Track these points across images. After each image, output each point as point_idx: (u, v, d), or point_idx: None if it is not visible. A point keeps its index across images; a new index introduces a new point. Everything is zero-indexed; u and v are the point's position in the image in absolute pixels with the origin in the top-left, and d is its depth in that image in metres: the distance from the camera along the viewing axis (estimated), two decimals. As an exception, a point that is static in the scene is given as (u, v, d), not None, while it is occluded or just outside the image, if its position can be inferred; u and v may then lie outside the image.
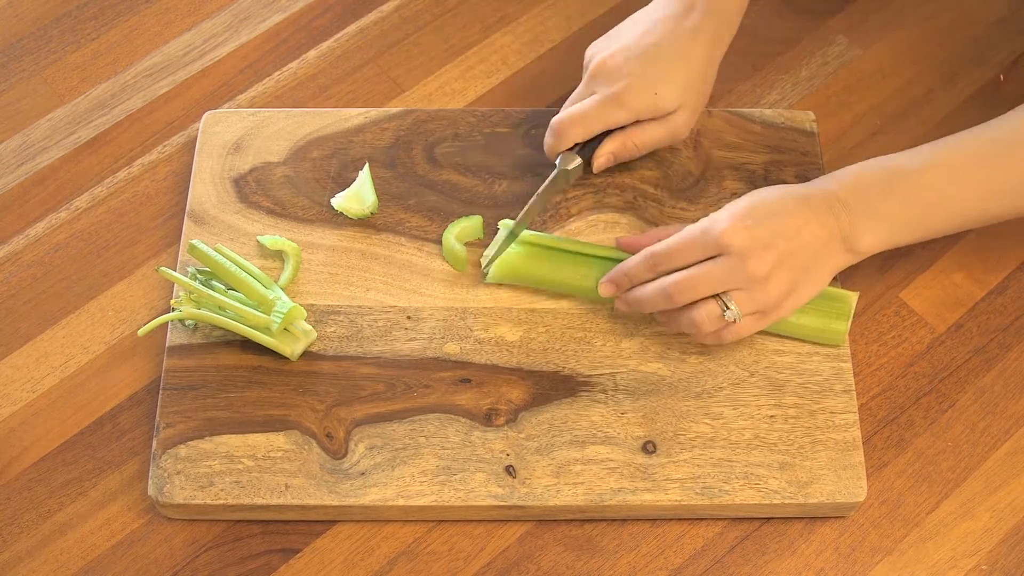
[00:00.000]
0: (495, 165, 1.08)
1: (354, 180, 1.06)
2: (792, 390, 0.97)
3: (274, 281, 1.01)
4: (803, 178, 1.05)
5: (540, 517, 0.95)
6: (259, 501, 0.93)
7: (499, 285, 1.02)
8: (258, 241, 1.03)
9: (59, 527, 0.96)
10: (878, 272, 1.05)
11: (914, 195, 0.93)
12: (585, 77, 1.01)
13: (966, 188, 0.93)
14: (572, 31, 1.18)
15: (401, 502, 0.93)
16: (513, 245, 1.01)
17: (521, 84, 1.15)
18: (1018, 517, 0.96)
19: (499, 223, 1.02)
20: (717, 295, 0.92)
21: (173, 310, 0.99)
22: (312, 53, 1.17)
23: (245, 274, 0.98)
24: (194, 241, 0.98)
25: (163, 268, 0.98)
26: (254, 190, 1.06)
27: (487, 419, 0.96)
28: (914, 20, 1.17)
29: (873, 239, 0.93)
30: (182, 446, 0.95)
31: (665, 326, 0.98)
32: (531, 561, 0.94)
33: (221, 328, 0.99)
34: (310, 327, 0.99)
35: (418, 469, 0.94)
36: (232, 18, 1.19)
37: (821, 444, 0.95)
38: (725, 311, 0.92)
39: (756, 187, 1.05)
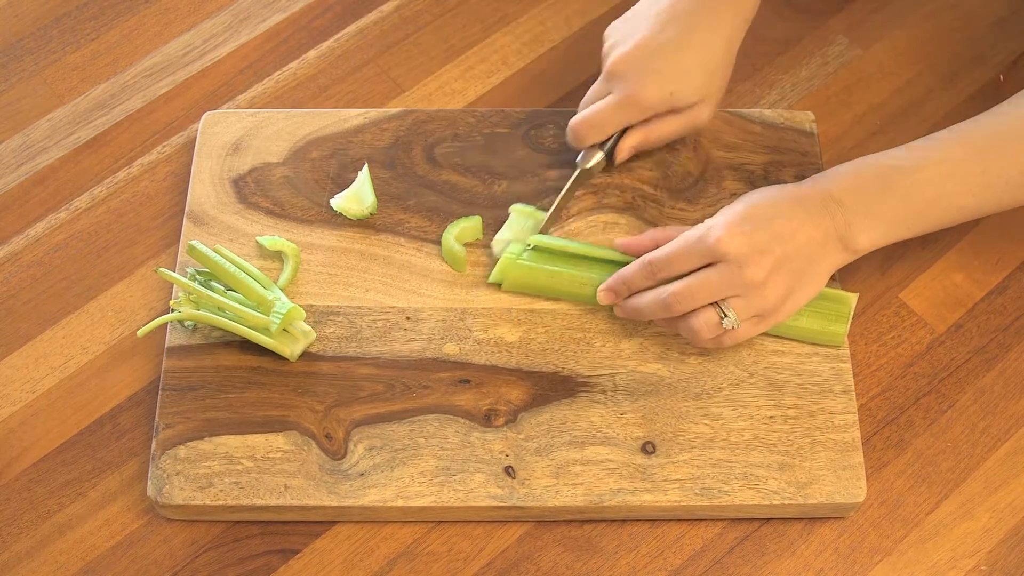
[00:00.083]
0: (495, 165, 1.08)
1: (353, 181, 1.06)
2: (792, 391, 0.97)
3: (273, 282, 1.01)
4: (802, 178, 1.05)
5: (539, 518, 0.95)
6: (258, 502, 0.93)
7: (499, 285, 1.02)
8: (257, 242, 1.03)
9: (59, 528, 0.96)
10: (878, 272, 1.05)
11: (911, 192, 0.93)
12: (603, 74, 1.01)
13: (963, 183, 0.93)
14: (572, 31, 1.18)
15: (400, 503, 0.93)
16: (513, 252, 1.00)
17: (521, 84, 1.15)
18: (1018, 517, 0.96)
19: (511, 208, 1.02)
20: (715, 302, 0.92)
21: (172, 311, 0.99)
22: (312, 53, 1.17)
23: (244, 275, 0.98)
24: (193, 242, 0.98)
25: (162, 269, 0.98)
26: (253, 191, 1.06)
27: (486, 420, 0.96)
28: (914, 20, 1.17)
29: (870, 237, 0.93)
30: (181, 447, 0.95)
31: (664, 328, 0.98)
32: (530, 562, 0.94)
33: (220, 329, 0.99)
34: (309, 328, 0.99)
35: (417, 470, 0.94)
36: (232, 18, 1.19)
37: (821, 445, 0.95)
38: (723, 318, 0.92)
39: (756, 187, 1.05)
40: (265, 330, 0.97)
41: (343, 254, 1.03)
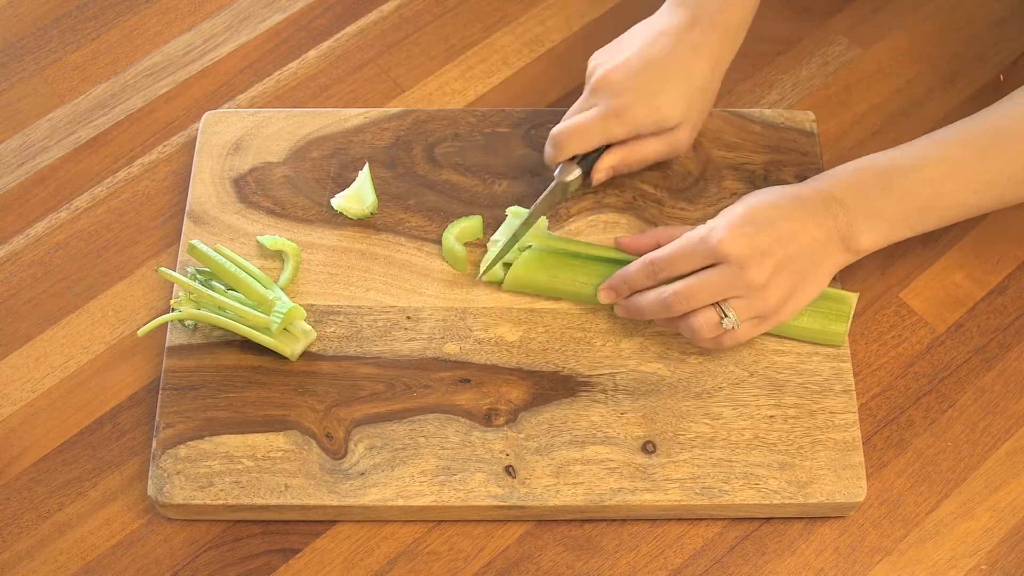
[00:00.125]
0: (495, 165, 1.08)
1: (354, 180, 1.06)
2: (792, 390, 0.97)
3: (274, 281, 1.01)
4: (803, 178, 1.05)
5: (540, 517, 0.95)
6: (259, 501, 0.93)
7: (498, 285, 1.02)
8: (258, 241, 1.03)
9: (59, 527, 0.96)
10: (878, 272, 1.05)
11: (913, 191, 0.93)
12: (587, 89, 1.00)
13: (965, 181, 0.93)
14: (572, 31, 1.18)
15: (401, 502, 0.93)
16: (516, 253, 1.00)
17: (521, 84, 1.15)
18: (1018, 517, 0.96)
19: (507, 210, 1.02)
20: (715, 303, 0.92)
21: (173, 310, 0.99)
22: (312, 53, 1.17)
23: (245, 274, 0.98)
24: (194, 241, 0.98)
25: (163, 268, 0.98)
26: (254, 190, 1.06)
27: (487, 419, 0.96)
28: (914, 20, 1.17)
29: (872, 237, 0.93)
30: (182, 446, 0.95)
31: (665, 327, 0.98)
32: (531, 561, 0.94)
33: (221, 328, 0.99)
34: (310, 327, 0.99)
35: (418, 469, 0.94)
36: (232, 18, 1.19)
37: (821, 444, 0.95)
38: (723, 318, 0.92)
39: (756, 187, 1.05)
40: (266, 329, 0.97)
41: (344, 253, 1.04)
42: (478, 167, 1.08)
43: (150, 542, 0.95)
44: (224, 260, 0.98)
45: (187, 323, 1.00)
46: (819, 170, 1.06)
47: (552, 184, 1.01)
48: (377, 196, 1.04)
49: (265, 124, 1.10)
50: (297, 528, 0.95)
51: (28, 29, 1.19)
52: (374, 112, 1.10)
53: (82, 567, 0.94)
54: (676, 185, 1.06)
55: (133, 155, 1.12)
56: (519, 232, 1.00)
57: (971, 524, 0.95)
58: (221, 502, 0.93)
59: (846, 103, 1.13)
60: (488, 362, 0.99)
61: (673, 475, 0.94)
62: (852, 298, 0.98)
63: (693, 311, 0.93)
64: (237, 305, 0.97)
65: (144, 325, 0.98)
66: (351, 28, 1.18)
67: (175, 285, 1.02)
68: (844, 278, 1.03)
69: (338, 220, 1.05)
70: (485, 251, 1.03)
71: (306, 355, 0.99)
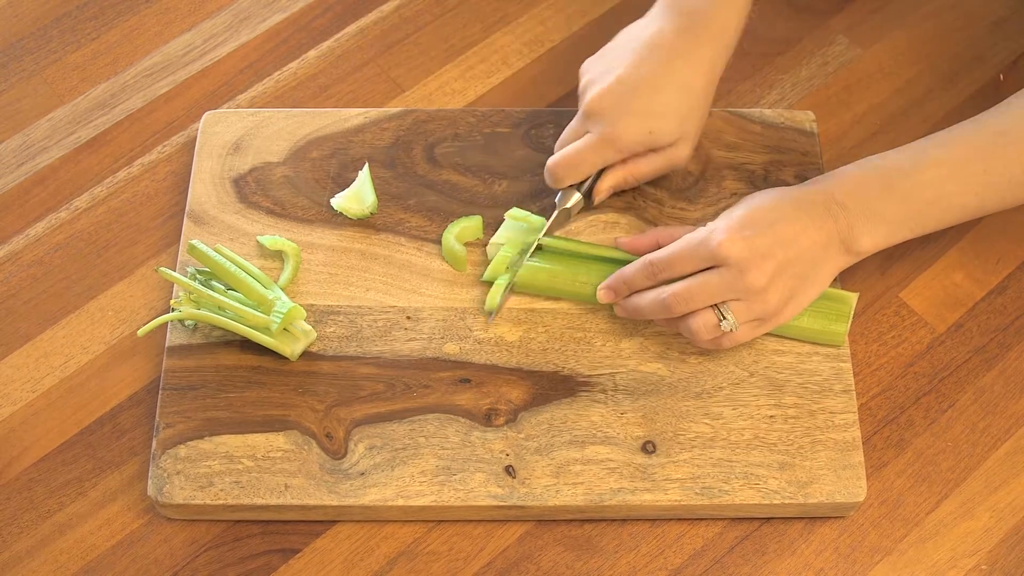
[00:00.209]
0: (495, 165, 1.08)
1: (354, 180, 1.06)
2: (792, 390, 0.97)
3: (274, 281, 1.01)
4: (803, 178, 1.05)
5: (540, 517, 0.95)
6: (259, 501, 0.93)
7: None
8: (258, 241, 1.03)
9: (59, 527, 0.96)
10: (878, 272, 1.05)
11: (913, 194, 0.93)
12: (579, 113, 0.99)
13: (965, 183, 0.93)
14: (572, 31, 1.18)
15: (401, 502, 0.93)
16: (505, 255, 1.00)
17: (521, 84, 1.15)
18: (1018, 517, 0.96)
19: (506, 213, 1.02)
20: (714, 304, 0.92)
21: (173, 310, 0.99)
22: (312, 53, 1.17)
23: (245, 274, 0.98)
24: (194, 241, 0.98)
25: (163, 268, 0.98)
26: (254, 190, 1.06)
27: (487, 419, 0.96)
28: (914, 20, 1.17)
29: (872, 239, 0.93)
30: (182, 446, 0.95)
31: (664, 327, 0.98)
32: (531, 561, 0.94)
33: (221, 328, 0.99)
34: (310, 327, 0.99)
35: (418, 469, 0.94)
36: (232, 18, 1.19)
37: (821, 444, 0.95)
38: (722, 320, 0.92)
39: (756, 187, 1.05)
40: (266, 329, 0.97)
41: (343, 253, 1.04)
42: (478, 167, 1.08)
43: (150, 542, 0.95)
44: (224, 260, 0.98)
45: (187, 323, 1.00)
46: (819, 170, 1.06)
47: (555, 213, 1.01)
48: (377, 196, 1.04)
49: (265, 124, 1.10)
50: (297, 528, 0.95)
51: (28, 29, 1.19)
52: (374, 112, 1.10)
53: (82, 567, 0.94)
54: (676, 185, 1.06)
55: (133, 155, 1.12)
56: (520, 259, 1.00)
57: (971, 524, 0.95)
58: (221, 502, 0.93)
59: (846, 103, 1.13)
60: (488, 362, 0.99)
61: (673, 475, 0.94)
62: (852, 298, 0.98)
63: (692, 312, 0.93)
64: (237, 305, 0.97)
65: (144, 325, 0.98)
66: (351, 28, 1.18)
67: (175, 285, 1.02)
68: (844, 278, 1.03)
69: (338, 220, 1.05)
70: (484, 252, 1.03)
71: (306, 355, 0.99)
